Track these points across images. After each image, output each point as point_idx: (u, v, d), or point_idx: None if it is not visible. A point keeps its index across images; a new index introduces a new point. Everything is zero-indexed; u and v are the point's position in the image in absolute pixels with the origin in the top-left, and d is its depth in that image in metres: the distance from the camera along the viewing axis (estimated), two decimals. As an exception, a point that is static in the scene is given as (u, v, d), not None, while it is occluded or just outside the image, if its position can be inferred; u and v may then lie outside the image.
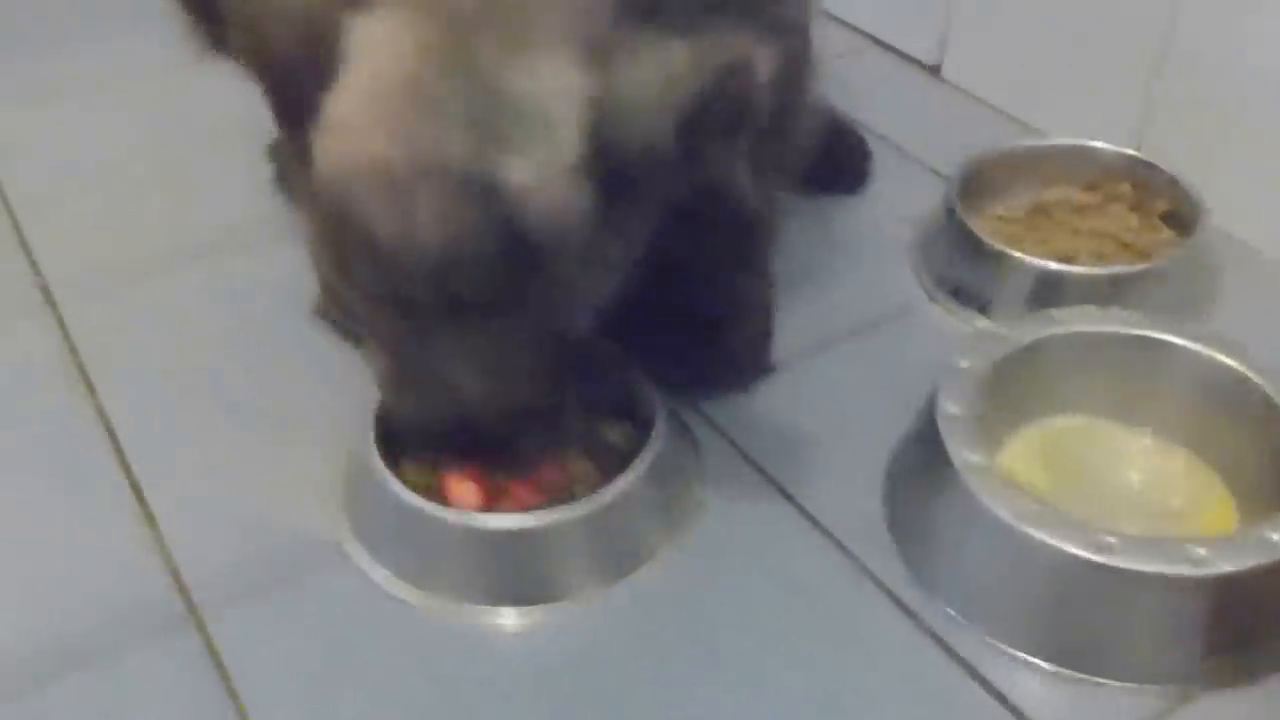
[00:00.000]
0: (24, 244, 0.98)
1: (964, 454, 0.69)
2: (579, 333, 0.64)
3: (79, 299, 0.93)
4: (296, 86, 0.57)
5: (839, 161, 1.03)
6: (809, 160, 0.96)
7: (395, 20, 0.56)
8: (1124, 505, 0.72)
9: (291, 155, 0.62)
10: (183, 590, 0.71)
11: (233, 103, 1.08)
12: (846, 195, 1.04)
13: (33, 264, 0.96)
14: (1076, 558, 0.63)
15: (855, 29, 1.28)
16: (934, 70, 1.21)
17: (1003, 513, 0.65)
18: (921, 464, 0.73)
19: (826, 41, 1.21)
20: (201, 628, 0.68)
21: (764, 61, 0.56)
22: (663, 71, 0.56)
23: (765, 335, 0.86)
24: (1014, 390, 0.76)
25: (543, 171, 0.56)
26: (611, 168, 0.57)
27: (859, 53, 1.26)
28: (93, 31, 1.29)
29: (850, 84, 1.11)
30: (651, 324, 0.74)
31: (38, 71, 1.22)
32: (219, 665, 0.66)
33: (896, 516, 0.74)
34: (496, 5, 0.56)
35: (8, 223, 1.00)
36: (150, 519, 0.75)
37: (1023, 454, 0.76)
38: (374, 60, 0.57)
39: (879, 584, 0.71)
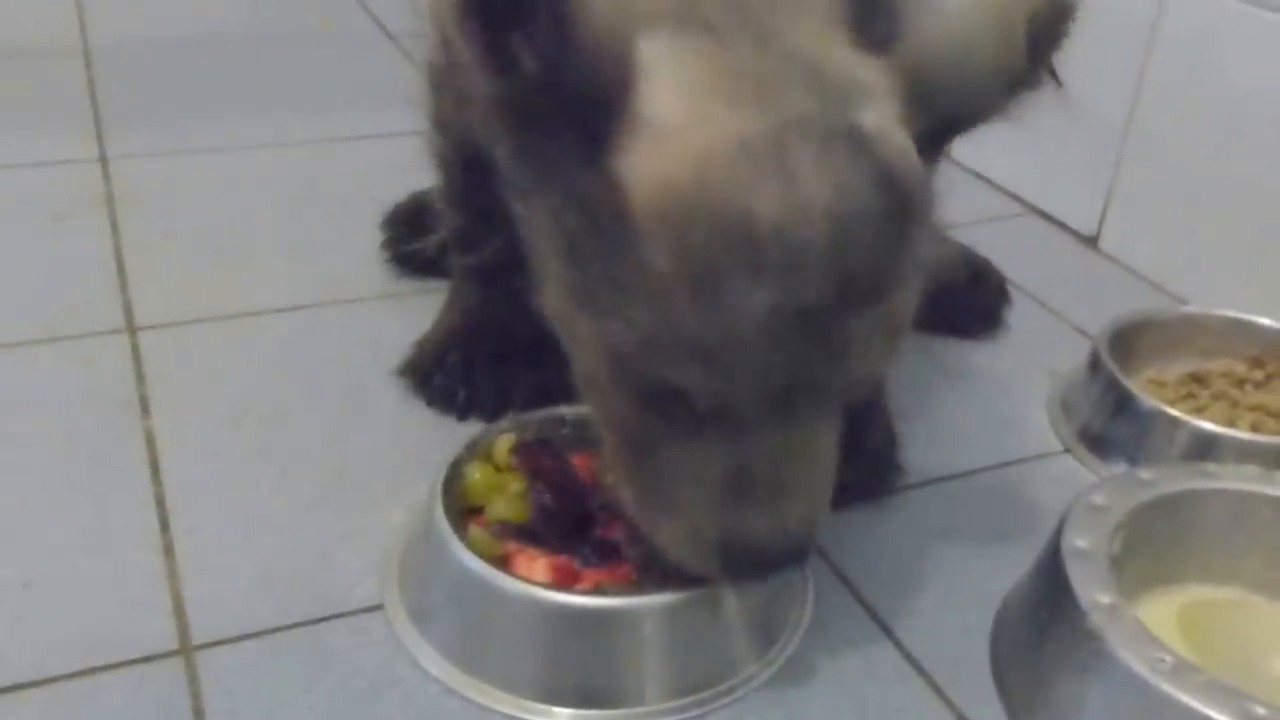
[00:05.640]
0: (123, 279, 0.97)
1: (1092, 593, 0.60)
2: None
3: (160, 332, 0.91)
4: (599, 112, 0.51)
5: (975, 301, 1.00)
6: (945, 290, 0.92)
7: (671, 37, 0.52)
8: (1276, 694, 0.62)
9: (585, 210, 0.54)
10: (181, 625, 0.65)
11: (366, 180, 1.13)
12: (982, 338, 0.99)
13: (125, 298, 0.95)
14: (1219, 726, 0.53)
15: (1015, 196, 1.26)
16: (1091, 241, 1.18)
17: (1135, 664, 0.56)
18: (1037, 604, 0.64)
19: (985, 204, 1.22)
20: (189, 665, 0.63)
21: None
22: (983, 8, 0.55)
23: (892, 442, 0.80)
24: (1154, 543, 0.67)
25: (886, 120, 0.53)
26: (928, 121, 0.55)
27: (1016, 218, 1.24)
28: (260, 102, 1.34)
29: (1005, 246, 1.08)
30: None
31: (194, 131, 1.25)
32: (197, 707, 0.60)
33: (1003, 662, 0.65)
34: (748, 12, 0.53)
35: (113, 261, 1.00)
36: (169, 550, 0.70)
37: (1157, 619, 0.66)
38: (667, 69, 0.51)
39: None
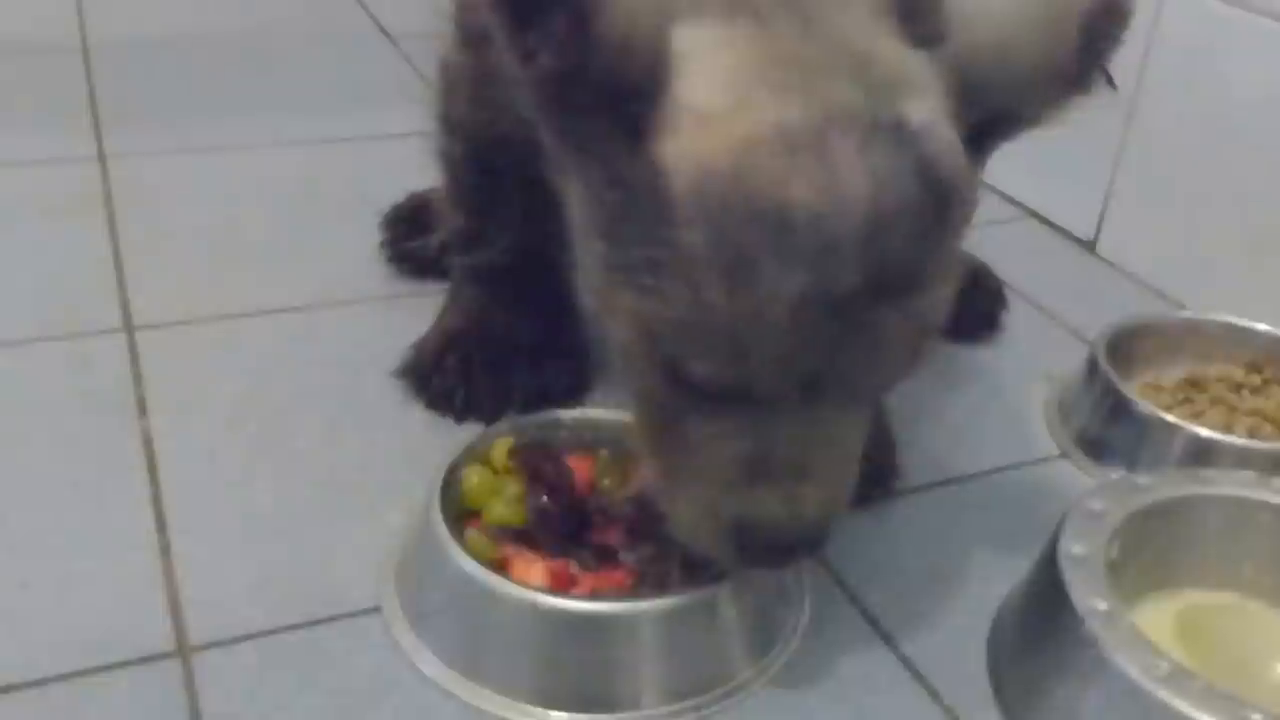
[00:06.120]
0: (121, 278, 0.97)
1: (1089, 599, 0.60)
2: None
3: (158, 332, 0.90)
4: (633, 101, 0.51)
5: (972, 305, 0.99)
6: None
7: (712, 25, 0.52)
8: (1276, 701, 0.62)
9: (621, 201, 0.54)
10: (178, 626, 0.65)
11: (366, 180, 1.12)
12: (978, 341, 0.99)
13: (123, 297, 0.94)
14: (1216, 733, 0.53)
15: (1013, 200, 1.26)
16: (1089, 245, 1.18)
17: (1132, 670, 0.56)
18: (1035, 609, 0.64)
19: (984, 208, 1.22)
20: (186, 666, 0.62)
21: None
22: (1035, 6, 0.55)
23: (889, 446, 0.79)
24: (1151, 549, 0.67)
25: (933, 114, 0.52)
26: (976, 119, 0.55)
27: (1014, 221, 1.24)
28: (260, 102, 1.34)
29: (1003, 250, 1.08)
30: None
31: (193, 131, 1.25)
32: (194, 709, 0.60)
33: (1000, 667, 0.65)
34: (796, 1, 0.53)
35: (111, 260, 1.00)
36: (166, 550, 0.70)
37: (1154, 625, 0.66)
38: (710, 56, 0.51)
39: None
